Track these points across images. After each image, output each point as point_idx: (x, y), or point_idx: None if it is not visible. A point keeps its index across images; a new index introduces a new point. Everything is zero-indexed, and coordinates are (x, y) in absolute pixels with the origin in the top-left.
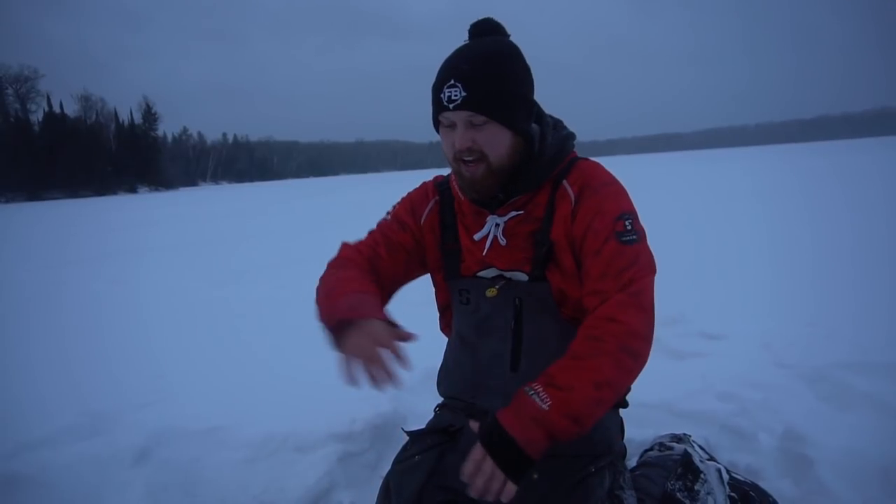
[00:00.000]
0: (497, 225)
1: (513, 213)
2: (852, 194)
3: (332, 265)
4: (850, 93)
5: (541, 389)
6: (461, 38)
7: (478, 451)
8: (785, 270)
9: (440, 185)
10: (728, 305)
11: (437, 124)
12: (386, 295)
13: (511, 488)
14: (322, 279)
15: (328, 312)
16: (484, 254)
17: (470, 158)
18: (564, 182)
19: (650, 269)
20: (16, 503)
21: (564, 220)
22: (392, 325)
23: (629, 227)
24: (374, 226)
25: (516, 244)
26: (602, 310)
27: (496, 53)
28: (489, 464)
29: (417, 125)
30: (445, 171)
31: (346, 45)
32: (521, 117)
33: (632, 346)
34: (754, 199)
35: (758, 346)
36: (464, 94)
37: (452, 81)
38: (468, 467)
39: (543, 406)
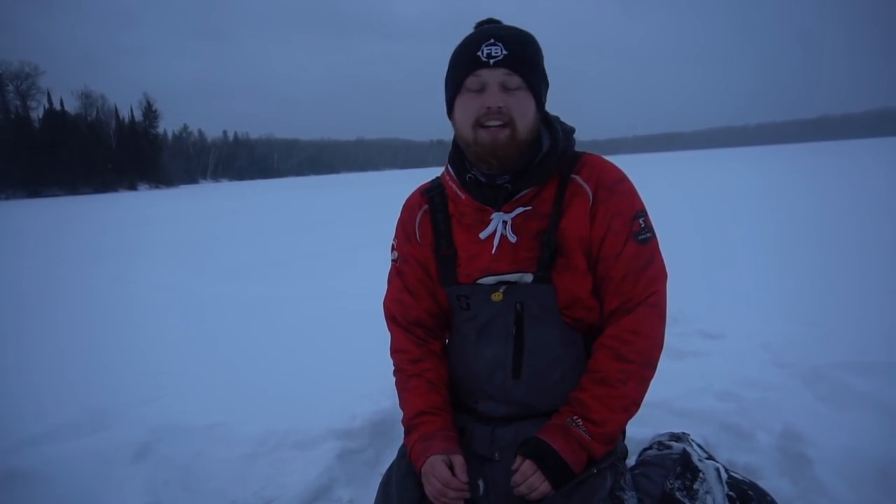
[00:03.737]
0: (504, 222)
1: (519, 210)
2: (852, 195)
3: (398, 368)
4: (852, 93)
5: (581, 423)
6: (450, 38)
7: (529, 467)
8: (784, 270)
9: (428, 191)
10: (727, 305)
11: (454, 96)
12: (441, 327)
13: (547, 490)
14: (397, 386)
15: (412, 452)
16: (493, 252)
17: (497, 123)
18: (577, 177)
19: (664, 272)
20: (17, 498)
21: (582, 217)
22: (454, 456)
23: (643, 226)
24: (378, 247)
25: (523, 243)
26: (627, 322)
27: (524, 32)
28: (539, 477)
29: (418, 124)
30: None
31: (335, 44)
32: (544, 96)
33: (653, 359)
34: (754, 199)
35: (757, 346)
36: (505, 52)
37: (492, 41)
38: (517, 478)
39: (587, 436)
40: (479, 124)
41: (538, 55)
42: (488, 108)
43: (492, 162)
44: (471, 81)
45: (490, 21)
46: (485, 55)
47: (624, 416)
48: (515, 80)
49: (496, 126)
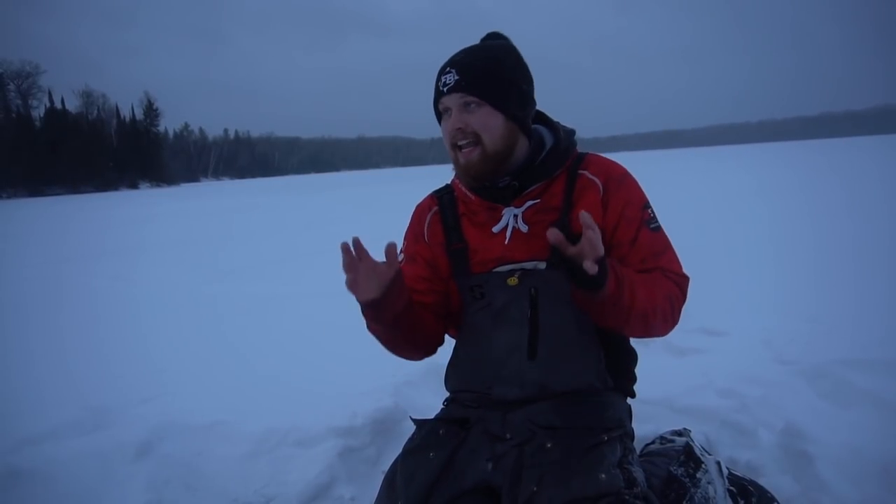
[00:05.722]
0: (515, 215)
1: (529, 203)
2: (853, 192)
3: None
4: (854, 91)
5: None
6: (444, 36)
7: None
8: (786, 267)
9: (438, 191)
10: (729, 302)
11: (439, 118)
12: (441, 330)
13: (592, 266)
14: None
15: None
16: (506, 243)
17: (464, 142)
18: (585, 172)
19: (679, 260)
20: (18, 497)
21: (594, 207)
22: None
23: (652, 215)
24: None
25: (535, 233)
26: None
27: (490, 47)
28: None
29: (419, 122)
30: (446, 168)
31: (330, 43)
32: (514, 103)
33: (676, 302)
34: (755, 196)
35: (758, 343)
36: (456, 77)
37: (448, 69)
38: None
39: (619, 270)
40: (454, 146)
41: (496, 68)
42: (451, 131)
43: (468, 180)
44: (440, 107)
45: (490, 37)
46: (441, 84)
47: (640, 304)
48: (471, 99)
49: (466, 144)
